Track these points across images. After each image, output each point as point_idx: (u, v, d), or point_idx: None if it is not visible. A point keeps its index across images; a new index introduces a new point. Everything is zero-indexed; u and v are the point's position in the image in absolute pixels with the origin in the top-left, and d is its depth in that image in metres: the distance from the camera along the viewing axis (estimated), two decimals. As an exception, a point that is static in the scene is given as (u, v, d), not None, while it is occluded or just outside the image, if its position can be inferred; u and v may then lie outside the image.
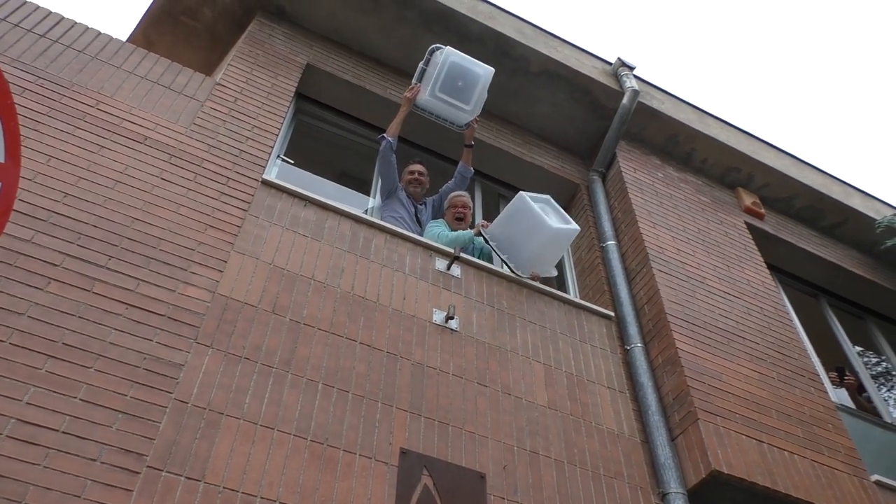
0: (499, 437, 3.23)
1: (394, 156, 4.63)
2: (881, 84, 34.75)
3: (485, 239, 4.35)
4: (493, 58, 5.24)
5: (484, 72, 4.54)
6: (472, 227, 4.62)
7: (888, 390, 5.93)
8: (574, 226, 4.32)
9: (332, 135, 5.22)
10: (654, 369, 4.05)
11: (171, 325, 2.85)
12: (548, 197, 4.41)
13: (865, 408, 5.22)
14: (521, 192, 4.37)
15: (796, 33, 34.01)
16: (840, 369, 5.53)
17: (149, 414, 2.53)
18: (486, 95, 4.60)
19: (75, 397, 2.45)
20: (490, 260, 4.58)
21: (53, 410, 2.39)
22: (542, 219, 4.14)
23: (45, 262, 2.80)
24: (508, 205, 4.37)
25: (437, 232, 4.42)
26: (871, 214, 6.24)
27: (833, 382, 5.34)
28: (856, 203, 6.26)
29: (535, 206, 4.23)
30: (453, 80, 4.50)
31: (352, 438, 2.85)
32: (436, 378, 3.32)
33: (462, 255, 4.10)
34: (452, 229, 4.54)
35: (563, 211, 4.40)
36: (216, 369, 2.82)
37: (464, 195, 4.76)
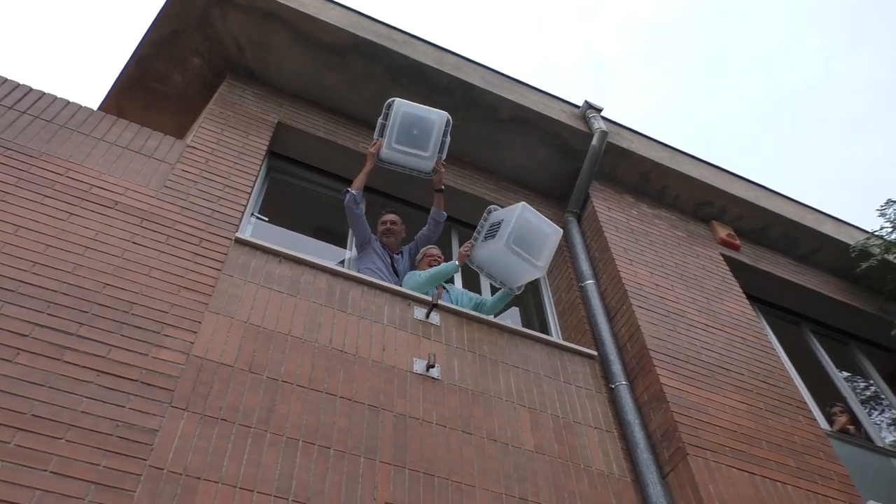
0: (486, 486, 3.18)
1: (360, 208, 4.65)
2: (848, 111, 35.87)
3: (470, 265, 4.38)
4: (462, 107, 5.32)
5: (437, 117, 4.56)
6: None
7: (879, 413, 5.92)
8: (538, 264, 4.32)
9: (306, 190, 5.26)
10: (640, 406, 4.03)
11: (145, 389, 2.81)
12: (524, 204, 4.42)
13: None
14: (490, 206, 4.44)
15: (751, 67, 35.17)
16: (833, 404, 5.49)
17: (123, 483, 2.47)
18: (447, 140, 4.61)
19: (45, 470, 2.39)
20: (472, 308, 4.57)
21: (23, 485, 2.33)
22: (505, 231, 4.21)
23: (13, 332, 2.77)
24: (481, 220, 4.45)
25: (418, 274, 4.39)
26: (845, 240, 6.30)
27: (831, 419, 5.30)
28: (828, 229, 6.33)
29: (502, 214, 4.28)
30: (409, 130, 4.52)
31: (335, 496, 2.79)
32: (419, 429, 3.28)
33: (440, 302, 4.09)
34: None
35: (542, 217, 4.45)
36: (192, 433, 2.77)
37: (436, 247, 4.77)
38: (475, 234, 4.41)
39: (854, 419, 5.39)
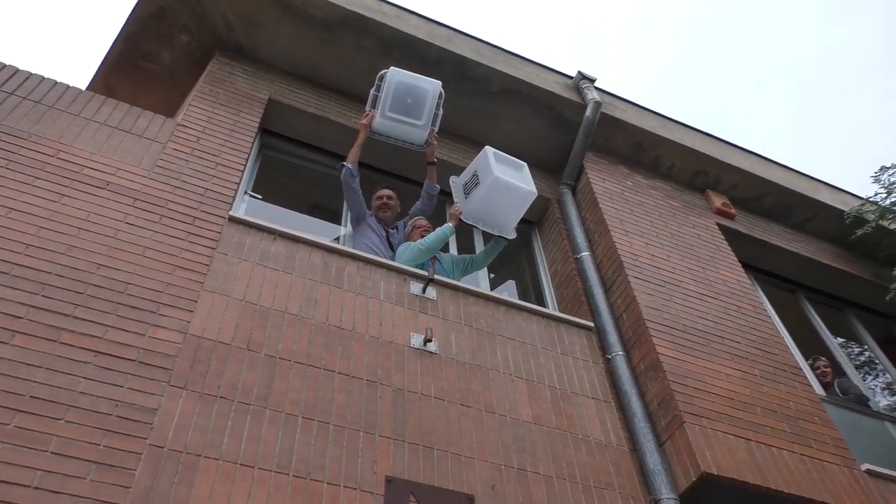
0: (485, 457, 3.21)
1: (356, 181, 4.63)
2: (842, 78, 35.67)
3: (464, 222, 4.45)
4: (453, 79, 5.29)
5: (431, 86, 4.58)
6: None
7: (873, 378, 5.99)
8: (530, 187, 4.44)
9: (299, 167, 5.25)
10: (636, 376, 4.06)
11: (143, 369, 2.82)
12: (523, 163, 4.61)
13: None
14: (485, 147, 4.54)
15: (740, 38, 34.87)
16: (816, 357, 5.57)
17: (124, 462, 2.49)
18: (440, 111, 4.65)
19: (46, 451, 2.41)
20: (464, 268, 4.65)
21: (24, 466, 2.34)
22: (489, 166, 4.34)
23: (8, 315, 2.77)
24: (472, 162, 4.60)
25: (416, 244, 4.38)
26: (840, 206, 6.29)
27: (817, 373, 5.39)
28: (824, 197, 6.33)
29: (489, 155, 4.42)
30: (402, 99, 4.54)
31: (335, 470, 2.82)
32: (417, 402, 3.30)
33: (437, 276, 4.11)
34: None
35: (528, 176, 4.60)
36: (191, 411, 2.78)
37: (424, 218, 4.78)
38: (454, 197, 4.56)
39: (837, 373, 5.47)
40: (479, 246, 5.35)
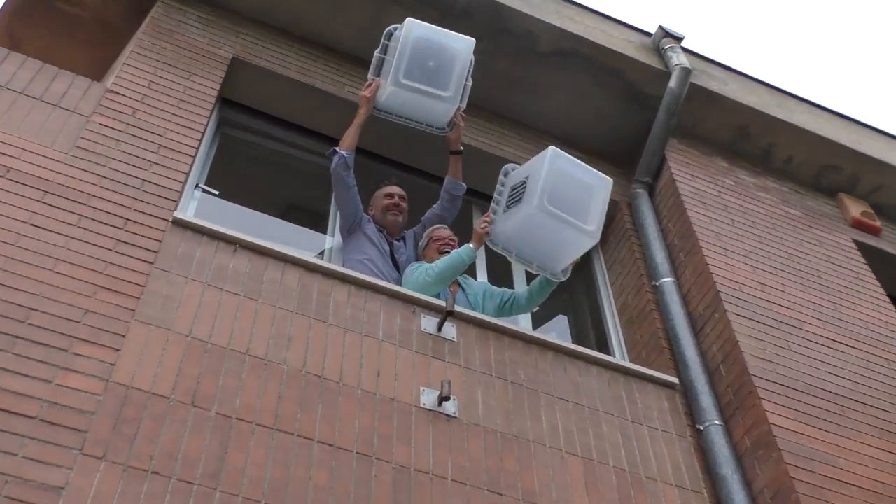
0: (523, 569, 3.16)
1: (351, 175, 4.65)
2: None
3: (492, 247, 4.42)
4: (487, 35, 5.25)
5: (462, 44, 4.62)
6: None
7: None
8: (589, 230, 4.33)
9: (271, 152, 5.30)
10: (739, 456, 4.02)
11: (45, 430, 2.76)
12: (553, 149, 4.45)
13: None
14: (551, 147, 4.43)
15: None
16: None
17: (12, 568, 2.44)
18: (469, 81, 4.65)
19: None
20: (501, 307, 4.60)
21: None
22: (535, 186, 4.19)
23: None
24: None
25: (422, 271, 4.40)
26: None
27: None
28: None
29: (544, 165, 4.27)
30: (422, 61, 4.55)
31: (310, 582, 2.77)
32: (428, 487, 3.26)
33: (458, 308, 4.09)
34: None
35: (580, 163, 4.53)
36: (111, 490, 2.71)
37: (448, 228, 4.81)
38: (493, 204, 4.45)
39: None
40: (520, 274, 5.34)
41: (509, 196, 4.40)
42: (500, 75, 5.46)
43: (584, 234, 4.32)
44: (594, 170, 4.51)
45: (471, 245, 4.36)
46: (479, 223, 4.43)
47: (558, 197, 4.22)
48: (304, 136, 5.28)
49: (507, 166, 4.57)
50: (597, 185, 4.42)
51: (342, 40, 5.39)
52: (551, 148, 4.39)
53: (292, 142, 5.29)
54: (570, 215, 4.24)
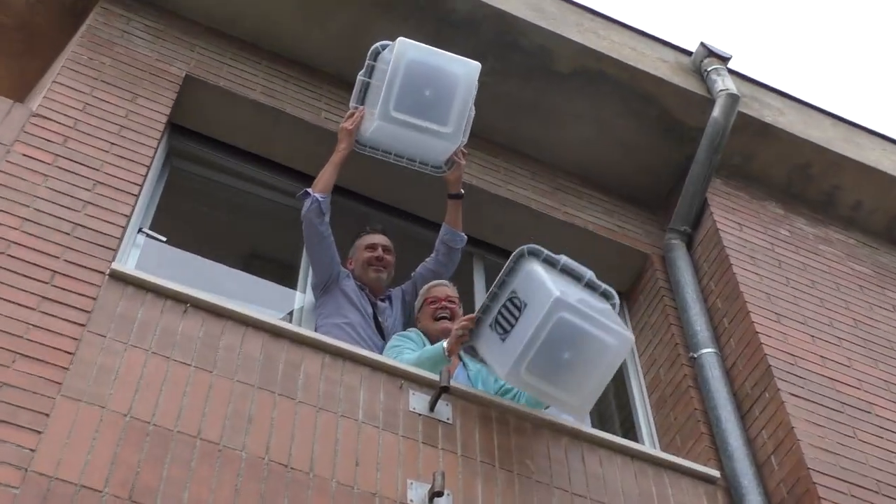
0: None
1: (326, 223, 4.58)
2: None
3: (474, 356, 4.22)
4: (493, 52, 5.23)
5: (465, 69, 4.58)
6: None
7: None
8: (625, 332, 4.12)
9: (230, 190, 5.23)
10: (796, 569, 4.01)
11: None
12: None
13: None
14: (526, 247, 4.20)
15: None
16: None
17: None
18: (473, 111, 4.62)
19: None
20: (503, 394, 4.43)
21: None
22: (546, 288, 3.95)
23: None
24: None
25: (395, 353, 4.34)
26: None
27: None
28: None
29: (538, 269, 4.03)
30: (417, 90, 4.50)
31: None
32: None
33: (454, 383, 3.99)
34: (432, 340, 4.42)
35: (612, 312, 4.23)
36: None
37: (448, 284, 4.71)
38: (480, 309, 4.15)
39: None
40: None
41: (504, 312, 4.11)
42: (507, 99, 5.41)
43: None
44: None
45: (443, 345, 4.18)
46: (457, 324, 4.18)
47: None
48: (270, 170, 5.22)
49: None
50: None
51: (317, 55, 5.38)
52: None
53: (255, 178, 5.21)
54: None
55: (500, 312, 4.08)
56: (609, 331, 4.00)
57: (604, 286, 4.14)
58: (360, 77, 4.62)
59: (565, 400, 4.02)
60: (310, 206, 4.53)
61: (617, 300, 4.20)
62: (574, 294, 4.03)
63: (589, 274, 4.16)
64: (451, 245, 4.78)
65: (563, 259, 4.13)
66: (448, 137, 4.56)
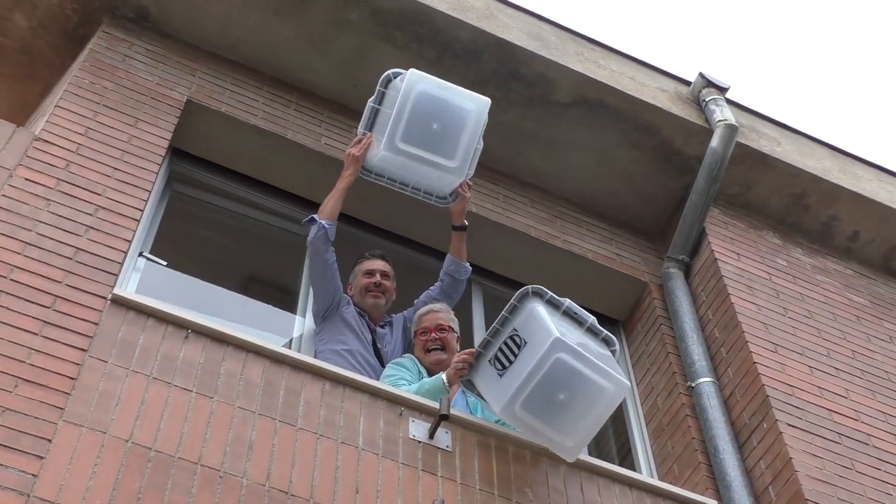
0: None
1: (332, 251, 4.57)
2: None
3: (471, 389, 4.24)
4: (494, 81, 5.28)
5: (475, 105, 4.58)
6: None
7: None
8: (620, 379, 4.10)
9: (231, 215, 5.24)
10: None
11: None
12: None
13: None
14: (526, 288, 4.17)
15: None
16: None
17: None
18: (480, 144, 4.60)
19: None
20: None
21: None
22: (547, 328, 3.97)
23: None
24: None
25: (394, 381, 4.33)
26: None
27: None
28: None
29: (541, 309, 4.06)
30: (425, 122, 4.50)
31: None
32: None
33: (454, 410, 4.01)
34: (427, 369, 4.46)
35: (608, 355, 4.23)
36: None
37: (440, 309, 4.64)
38: (481, 344, 4.18)
39: None
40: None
41: (504, 349, 4.13)
42: (508, 128, 5.41)
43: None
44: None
45: (442, 377, 4.22)
46: (457, 358, 4.19)
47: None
48: (270, 195, 5.21)
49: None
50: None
51: (320, 82, 5.40)
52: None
53: (255, 202, 5.21)
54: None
55: (500, 349, 4.11)
56: (606, 375, 4.00)
57: (605, 332, 4.17)
58: (370, 103, 4.62)
59: (558, 440, 4.02)
60: (316, 234, 4.54)
61: (617, 347, 4.23)
62: (574, 337, 4.06)
63: (591, 319, 4.19)
64: (456, 276, 4.81)
65: (567, 302, 4.16)
66: (454, 171, 4.58)
